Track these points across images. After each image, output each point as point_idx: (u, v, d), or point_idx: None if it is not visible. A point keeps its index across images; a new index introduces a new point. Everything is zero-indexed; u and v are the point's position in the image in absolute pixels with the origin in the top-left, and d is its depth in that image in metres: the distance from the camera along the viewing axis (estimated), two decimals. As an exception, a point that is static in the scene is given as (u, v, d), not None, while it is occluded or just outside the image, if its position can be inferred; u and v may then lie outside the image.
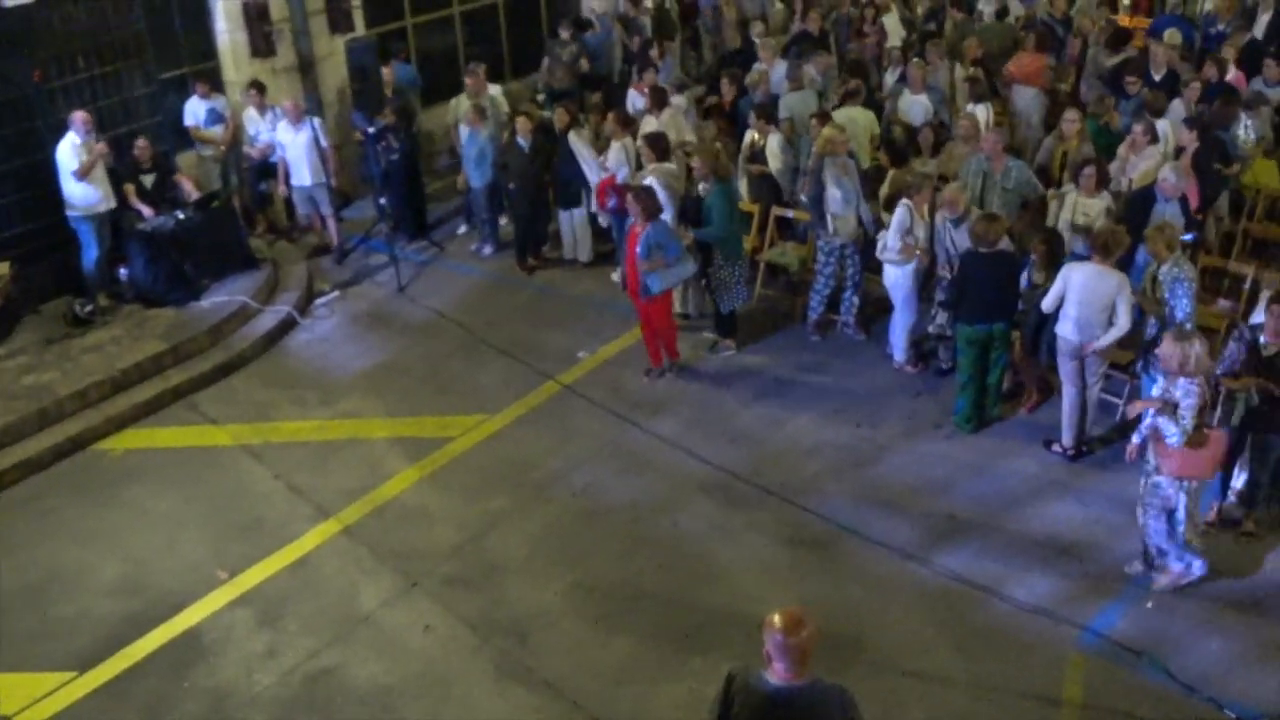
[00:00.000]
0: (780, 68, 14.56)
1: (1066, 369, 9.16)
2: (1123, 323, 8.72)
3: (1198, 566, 7.81)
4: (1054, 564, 8.20)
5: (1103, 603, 7.81)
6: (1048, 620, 7.67)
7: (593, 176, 12.58)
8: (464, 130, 13.57)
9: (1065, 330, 8.99)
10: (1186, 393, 7.29)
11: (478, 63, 14.83)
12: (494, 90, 14.45)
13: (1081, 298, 8.78)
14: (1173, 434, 7.32)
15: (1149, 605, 7.74)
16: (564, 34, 16.63)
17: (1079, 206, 10.24)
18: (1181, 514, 7.65)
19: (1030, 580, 8.04)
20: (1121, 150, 11.45)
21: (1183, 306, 8.72)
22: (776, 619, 4.82)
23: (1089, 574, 8.10)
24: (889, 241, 10.24)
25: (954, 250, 9.88)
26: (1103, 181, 10.30)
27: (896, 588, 8.07)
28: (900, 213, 10.16)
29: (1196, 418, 7.29)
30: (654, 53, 15.79)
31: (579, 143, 12.62)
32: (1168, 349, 7.36)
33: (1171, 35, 15.10)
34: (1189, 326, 8.72)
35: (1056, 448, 9.38)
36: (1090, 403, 9.25)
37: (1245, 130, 12.10)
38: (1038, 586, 7.98)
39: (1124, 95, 13.10)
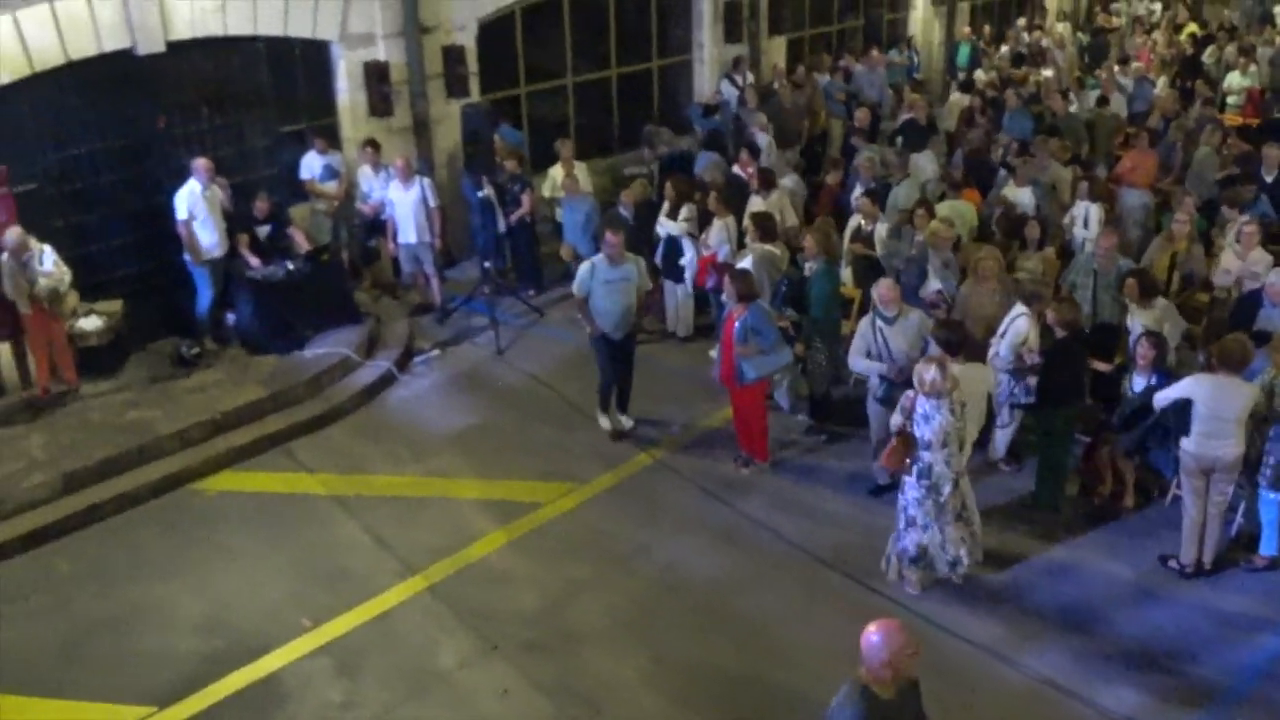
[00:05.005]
0: None
1: (1191, 486, 8.84)
2: None
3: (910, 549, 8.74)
4: (1143, 673, 7.98)
5: (1191, 716, 7.58)
6: (1136, 731, 7.46)
7: (690, 254, 12.69)
8: (566, 200, 13.77)
9: (1194, 446, 8.68)
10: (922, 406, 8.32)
11: (565, 139, 15.18)
12: (579, 168, 14.67)
13: (1212, 411, 8.51)
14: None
15: (1239, 722, 7.52)
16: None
17: (1135, 316, 10.19)
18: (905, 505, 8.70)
19: (1116, 688, 7.84)
20: (1224, 256, 11.39)
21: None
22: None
23: (1178, 686, 7.87)
24: (1000, 350, 9.94)
25: (885, 348, 9.69)
26: (1147, 292, 10.16)
27: (980, 684, 7.91)
28: (1022, 323, 9.86)
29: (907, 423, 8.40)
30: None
31: (669, 223, 12.79)
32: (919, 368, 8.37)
33: None
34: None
35: (1173, 563, 9.07)
36: (1212, 518, 8.90)
37: None
38: (1125, 695, 7.77)
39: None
